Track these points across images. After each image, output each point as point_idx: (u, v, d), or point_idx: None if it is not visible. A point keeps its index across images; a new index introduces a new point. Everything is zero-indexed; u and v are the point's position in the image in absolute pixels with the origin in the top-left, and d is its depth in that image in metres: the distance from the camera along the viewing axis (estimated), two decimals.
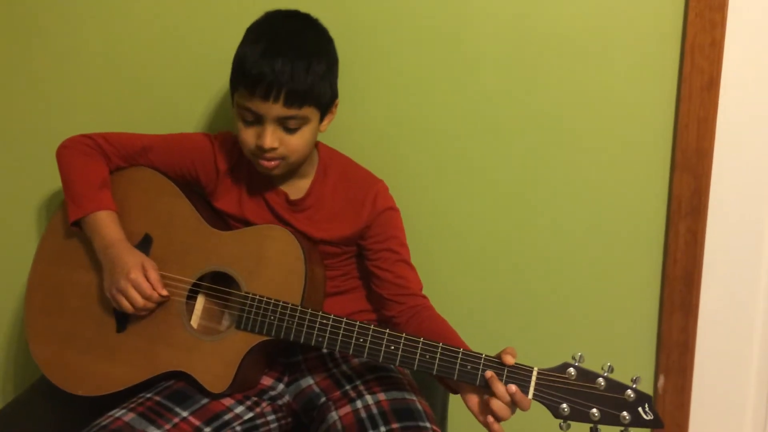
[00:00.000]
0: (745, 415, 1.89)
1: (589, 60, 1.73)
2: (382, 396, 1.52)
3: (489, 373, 1.37)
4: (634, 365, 1.87)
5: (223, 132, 1.68)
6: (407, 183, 1.81)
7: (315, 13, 1.60)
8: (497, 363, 1.38)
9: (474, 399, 1.42)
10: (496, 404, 1.36)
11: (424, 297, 1.64)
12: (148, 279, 1.53)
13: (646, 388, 1.87)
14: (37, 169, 1.93)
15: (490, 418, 1.37)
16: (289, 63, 1.45)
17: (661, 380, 1.85)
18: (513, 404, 1.37)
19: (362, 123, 1.81)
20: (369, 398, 1.52)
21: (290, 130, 1.51)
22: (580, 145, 1.78)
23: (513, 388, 1.36)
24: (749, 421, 1.90)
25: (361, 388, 1.55)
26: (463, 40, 1.75)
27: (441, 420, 1.70)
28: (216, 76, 1.80)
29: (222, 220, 1.65)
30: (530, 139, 1.78)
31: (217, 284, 1.57)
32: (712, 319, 1.83)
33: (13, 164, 1.97)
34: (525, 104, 1.77)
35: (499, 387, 1.36)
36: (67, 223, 1.62)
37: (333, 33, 1.60)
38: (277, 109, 1.47)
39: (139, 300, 1.52)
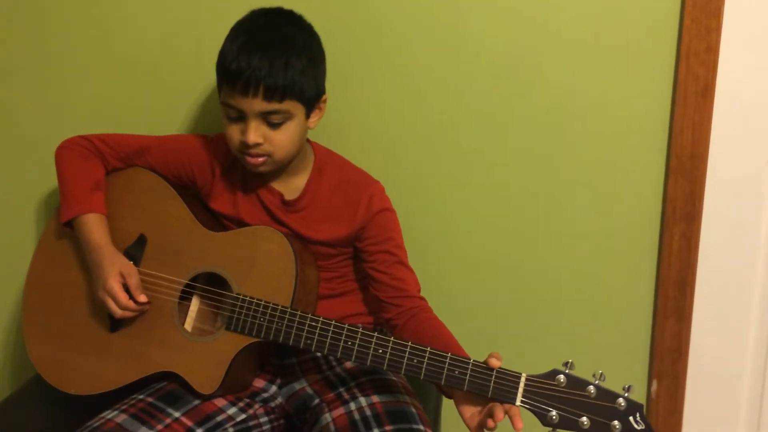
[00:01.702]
0: (738, 421, 1.90)
1: (584, 64, 1.73)
2: (375, 398, 1.52)
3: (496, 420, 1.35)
4: (627, 370, 1.87)
5: (219, 133, 1.68)
6: (404, 182, 1.81)
7: (309, 11, 1.60)
8: (485, 368, 1.37)
9: (467, 408, 1.41)
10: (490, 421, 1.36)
11: (422, 299, 1.63)
12: (128, 286, 1.54)
13: (640, 392, 1.87)
14: (37, 169, 1.93)
15: None
16: (266, 58, 1.46)
17: (655, 385, 1.85)
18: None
19: (359, 122, 1.82)
20: (363, 400, 1.52)
21: (274, 125, 1.51)
22: (576, 148, 1.78)
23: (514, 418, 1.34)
24: (742, 427, 1.90)
25: (355, 390, 1.55)
26: (461, 43, 1.75)
27: (434, 423, 1.70)
28: (212, 78, 1.80)
29: (217, 222, 1.65)
30: (526, 143, 1.79)
31: (212, 285, 1.57)
32: (706, 324, 1.83)
33: (13, 164, 1.98)
34: (521, 108, 1.77)
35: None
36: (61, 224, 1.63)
37: (329, 31, 1.60)
38: (257, 104, 1.47)
39: (117, 311, 1.54)
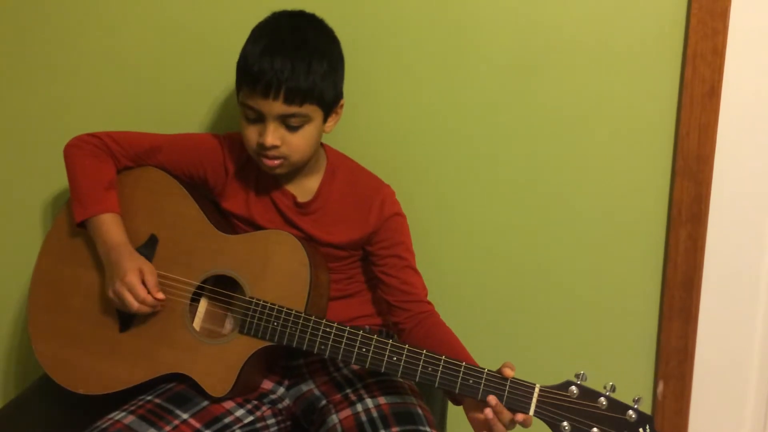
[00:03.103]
0: (743, 422, 1.90)
1: (591, 66, 1.73)
2: (382, 399, 1.53)
3: (493, 399, 1.37)
4: (633, 371, 1.87)
5: (231, 132, 1.68)
6: (415, 185, 1.81)
7: (324, 13, 1.61)
8: (499, 377, 1.38)
9: (476, 414, 1.42)
10: (496, 423, 1.37)
11: (429, 303, 1.64)
12: (145, 283, 1.54)
13: (646, 394, 1.87)
14: (44, 166, 1.93)
15: None
16: (289, 61, 1.46)
17: (661, 386, 1.85)
18: (513, 423, 1.37)
19: (371, 125, 1.82)
20: (369, 402, 1.53)
21: (292, 128, 1.51)
22: (582, 150, 1.78)
23: (521, 416, 1.36)
24: (748, 428, 1.90)
25: (362, 391, 1.56)
26: (468, 46, 1.76)
27: (440, 424, 1.70)
28: (225, 77, 1.80)
29: (228, 223, 1.65)
30: (534, 145, 1.79)
31: (221, 287, 1.57)
32: (712, 326, 1.83)
33: (20, 161, 1.97)
34: (529, 110, 1.77)
35: (505, 413, 1.36)
36: (73, 222, 1.62)
37: (342, 35, 1.60)
38: (277, 106, 1.48)
39: (134, 303, 1.52)
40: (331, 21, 1.60)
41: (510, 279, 1.88)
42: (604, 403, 1.33)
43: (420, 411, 1.51)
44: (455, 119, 1.80)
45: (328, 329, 1.46)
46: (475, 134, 1.80)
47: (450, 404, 1.74)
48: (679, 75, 1.71)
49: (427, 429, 1.47)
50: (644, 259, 1.81)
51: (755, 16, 1.68)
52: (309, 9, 1.61)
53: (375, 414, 1.50)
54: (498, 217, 1.84)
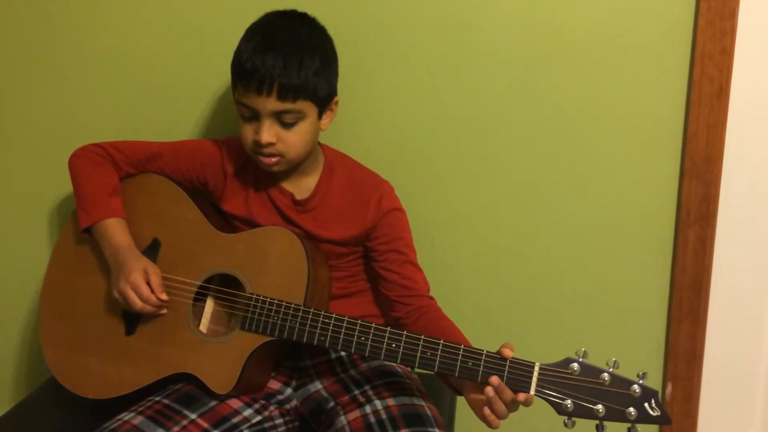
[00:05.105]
0: (753, 423, 1.89)
1: (599, 66, 1.73)
2: (390, 401, 1.53)
3: (495, 380, 1.35)
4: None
5: (229, 137, 1.70)
6: (415, 183, 1.81)
7: (320, 14, 1.62)
8: (498, 358, 1.37)
9: (475, 396, 1.40)
10: (497, 402, 1.35)
11: (431, 298, 1.64)
12: (149, 283, 1.55)
13: None
14: (51, 175, 1.94)
15: (487, 410, 1.35)
16: (281, 57, 1.48)
17: (669, 388, 1.85)
18: (515, 402, 1.35)
19: (370, 123, 1.82)
20: (378, 403, 1.53)
21: (287, 125, 1.52)
22: (590, 150, 1.78)
23: (522, 396, 1.34)
24: (757, 429, 1.89)
25: (370, 393, 1.56)
26: (473, 44, 1.76)
27: (448, 425, 1.70)
28: (225, 82, 1.81)
29: (229, 224, 1.67)
30: (539, 144, 1.79)
31: (226, 286, 1.58)
32: (720, 327, 1.82)
33: (28, 171, 1.99)
34: (534, 109, 1.77)
35: (506, 392, 1.35)
36: (80, 231, 1.64)
37: (341, 33, 1.62)
38: (271, 103, 1.49)
39: (137, 302, 1.54)
40: (330, 19, 1.61)
41: (514, 279, 1.87)
42: (607, 379, 1.31)
43: (429, 412, 1.51)
44: (457, 117, 1.80)
45: (327, 320, 1.47)
46: (479, 133, 1.80)
47: (458, 405, 1.74)
48: (687, 75, 1.70)
49: (436, 430, 1.46)
50: (652, 260, 1.80)
51: (763, 17, 1.68)
52: (310, 8, 1.62)
53: (384, 416, 1.49)
54: (502, 217, 1.84)
